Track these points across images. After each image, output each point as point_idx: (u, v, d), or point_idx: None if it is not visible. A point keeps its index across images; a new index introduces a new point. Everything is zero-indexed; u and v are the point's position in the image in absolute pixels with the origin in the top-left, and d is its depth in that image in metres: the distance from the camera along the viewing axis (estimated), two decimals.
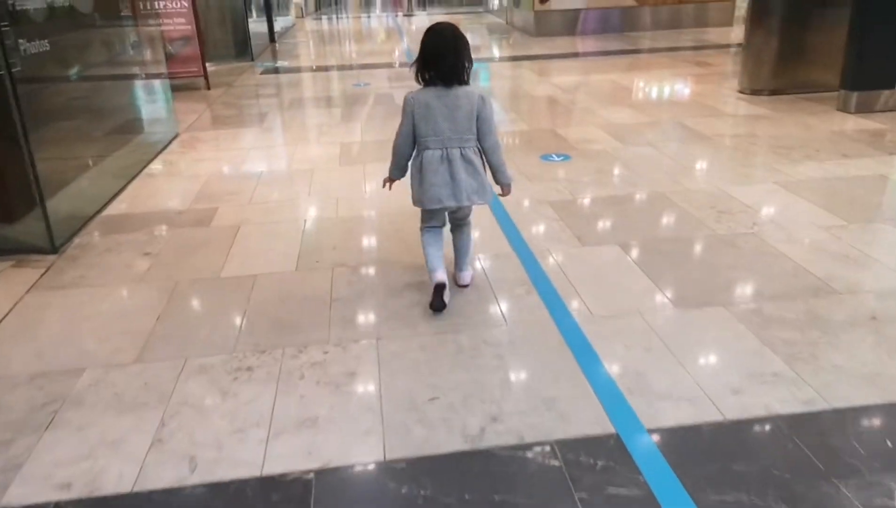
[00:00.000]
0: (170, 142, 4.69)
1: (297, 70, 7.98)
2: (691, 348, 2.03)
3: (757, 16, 5.40)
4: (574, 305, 2.31)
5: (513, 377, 1.93)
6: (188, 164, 4.19)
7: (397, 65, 7.96)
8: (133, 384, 1.95)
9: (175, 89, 6.48)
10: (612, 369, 1.94)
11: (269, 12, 10.51)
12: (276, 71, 7.80)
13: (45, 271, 2.74)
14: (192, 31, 6.53)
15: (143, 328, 2.26)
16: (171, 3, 6.44)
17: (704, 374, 1.90)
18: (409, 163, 2.34)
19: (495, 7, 13.97)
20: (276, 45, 10.53)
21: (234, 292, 2.50)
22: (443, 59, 2.14)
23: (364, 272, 2.64)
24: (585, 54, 8.31)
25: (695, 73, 6.57)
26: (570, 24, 9.89)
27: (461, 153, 2.21)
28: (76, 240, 3.05)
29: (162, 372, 2.00)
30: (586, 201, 3.29)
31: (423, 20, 15.64)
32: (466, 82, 2.21)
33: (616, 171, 3.74)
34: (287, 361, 2.04)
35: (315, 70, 7.99)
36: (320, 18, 16.49)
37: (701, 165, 3.79)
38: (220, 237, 3.03)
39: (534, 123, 4.90)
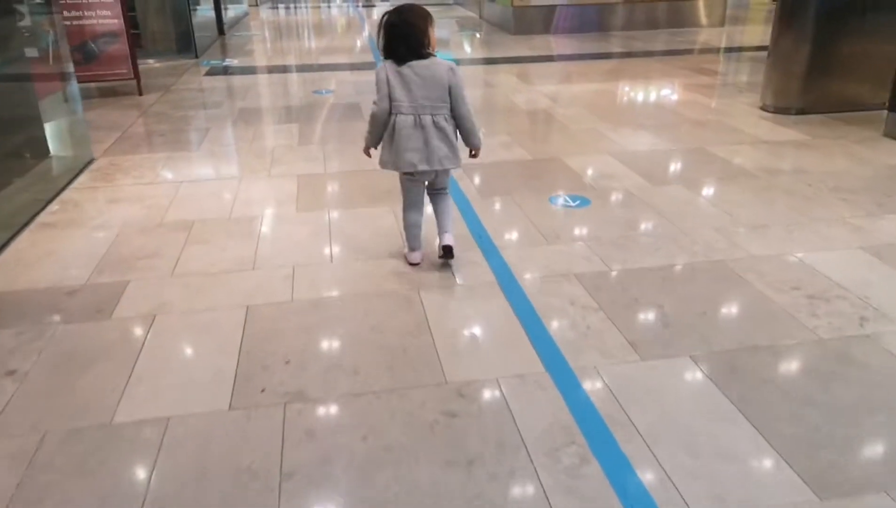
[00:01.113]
0: (80, 172, 3.71)
1: (249, 70, 6.97)
2: None
3: (786, 21, 4.67)
4: (655, 483, 1.49)
5: None
6: (99, 207, 3.24)
7: (362, 66, 7.03)
8: None
9: (100, 95, 5.47)
10: None
11: (216, 1, 9.40)
12: (223, 71, 6.78)
13: None
14: (119, 26, 5.48)
15: None
16: None
17: None
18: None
19: None
20: (226, 38, 9.45)
21: (127, 459, 1.61)
22: (406, 39, 2.28)
23: (331, 414, 1.78)
24: (572, 57, 7.51)
25: (701, 83, 5.83)
26: (551, 21, 9.08)
27: (433, 120, 2.31)
28: None
29: None
30: (627, 276, 2.48)
31: (384, 10, 14.66)
32: (433, 54, 2.33)
33: (651, 223, 2.95)
34: None
35: (269, 70, 6.99)
36: (276, 7, 15.30)
37: (755, 215, 3.01)
38: (122, 341, 2.12)
39: (533, 148, 4.08)
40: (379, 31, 2.36)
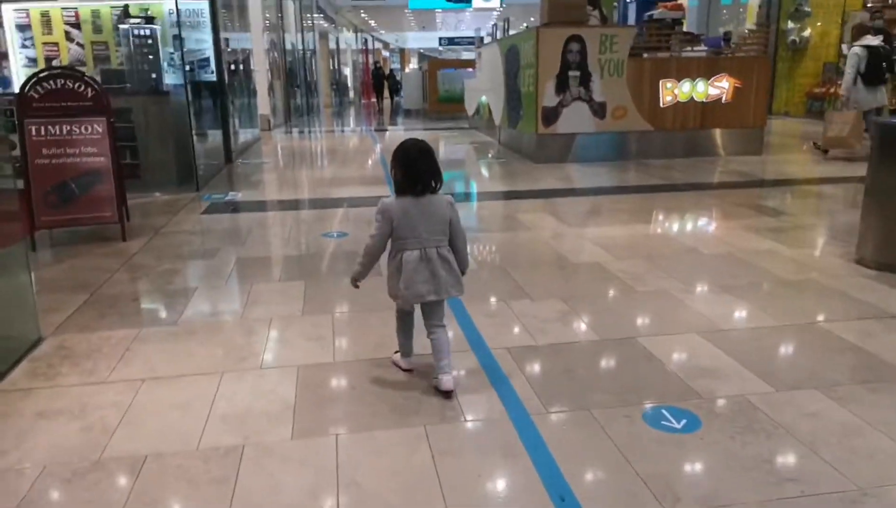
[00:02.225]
0: (15, 362, 2.86)
1: (253, 206, 6.30)
2: None
3: (890, 152, 3.93)
4: None
5: None
6: (20, 429, 2.34)
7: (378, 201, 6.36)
8: None
9: (77, 241, 4.73)
10: None
11: (225, 126, 9.00)
12: (225, 208, 6.10)
13: None
14: (104, 164, 4.84)
15: None
16: (78, 128, 4.79)
17: None
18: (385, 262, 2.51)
19: (482, 122, 12.79)
20: (234, 166, 8.95)
21: None
22: (414, 172, 2.40)
23: None
24: (609, 189, 6.86)
25: (767, 225, 5.06)
26: (578, 149, 8.55)
27: (437, 252, 2.44)
28: None
29: None
30: None
31: (398, 134, 14.43)
32: (436, 191, 2.46)
33: (803, 467, 2.01)
34: None
35: (276, 207, 6.32)
36: (290, 132, 15.14)
37: None
38: None
39: (597, 321, 3.22)
40: (395, 164, 2.45)
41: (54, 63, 8.13)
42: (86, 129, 4.83)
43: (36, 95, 4.69)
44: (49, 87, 4.72)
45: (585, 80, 8.34)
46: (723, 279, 3.83)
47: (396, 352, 2.77)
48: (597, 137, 8.57)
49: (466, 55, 44.66)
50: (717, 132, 8.80)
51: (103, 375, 2.73)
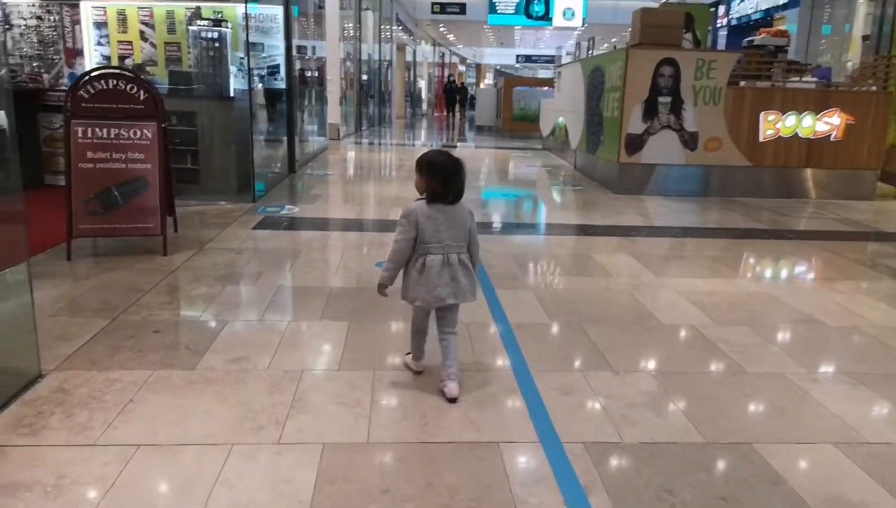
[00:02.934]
0: (8, 402, 2.45)
1: (308, 223, 5.89)
2: None
3: None
4: None
5: None
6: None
7: None
8: None
9: (115, 253, 4.40)
10: None
11: (290, 136, 8.71)
12: (277, 224, 5.71)
13: None
14: (151, 173, 4.50)
15: None
16: (127, 132, 4.47)
17: None
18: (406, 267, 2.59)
19: (557, 144, 12.14)
20: (295, 176, 8.64)
21: None
22: (451, 183, 2.50)
23: None
24: (701, 231, 6.11)
25: (893, 291, 4.26)
26: (661, 180, 7.82)
27: (458, 258, 2.55)
28: None
29: None
30: None
31: (469, 152, 13.95)
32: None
33: None
34: None
35: (331, 225, 5.88)
36: (360, 142, 14.90)
37: None
38: None
39: (700, 413, 2.56)
40: (425, 171, 2.53)
41: (126, 62, 8.04)
42: (134, 133, 4.51)
43: (86, 95, 4.41)
44: (100, 87, 4.43)
45: (677, 107, 7.62)
46: (854, 365, 3.09)
47: (408, 354, 2.86)
48: (683, 170, 7.81)
49: (543, 73, 44.14)
50: (822, 172, 7.89)
51: (95, 434, 2.28)
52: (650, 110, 7.62)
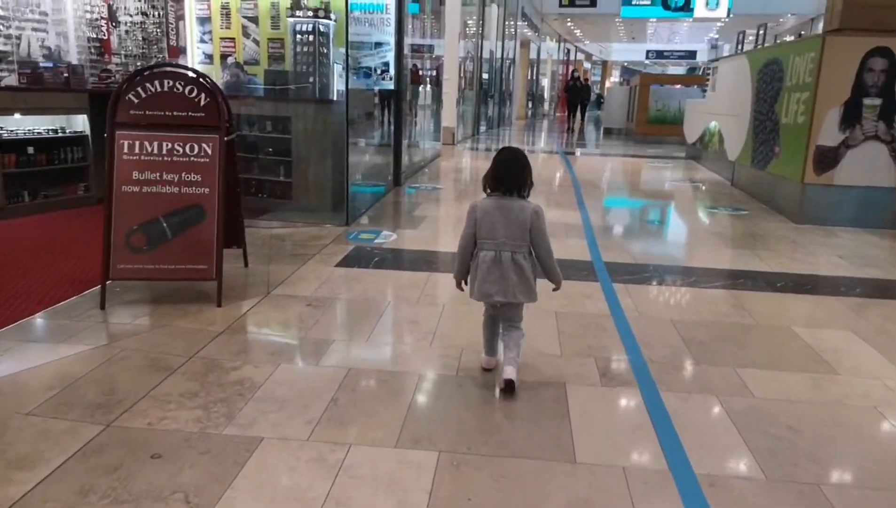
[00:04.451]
0: None
1: (405, 260, 4.75)
2: None
3: None
4: None
5: None
6: None
7: (577, 268, 4.54)
8: None
9: (165, 298, 3.49)
10: None
11: (397, 146, 7.68)
12: (367, 259, 4.61)
13: None
14: (208, 199, 3.55)
15: None
16: (182, 146, 3.54)
17: None
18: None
19: (706, 153, 10.37)
20: (401, 190, 7.60)
21: None
22: (508, 174, 2.58)
23: None
24: None
25: None
26: (864, 209, 6.02)
27: (512, 257, 2.53)
28: None
29: None
30: None
31: (593, 161, 12.39)
32: (524, 197, 2.60)
33: None
34: None
35: (434, 264, 4.65)
36: (476, 148, 13.74)
37: None
38: None
39: None
40: (491, 165, 2.64)
41: (228, 60, 7.35)
42: (191, 148, 3.57)
43: (135, 100, 3.52)
44: (152, 89, 3.53)
45: (889, 111, 5.81)
46: None
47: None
48: (895, 195, 5.97)
49: (673, 70, 40.97)
50: None
51: None
52: (851, 116, 5.86)
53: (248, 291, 3.78)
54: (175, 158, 3.56)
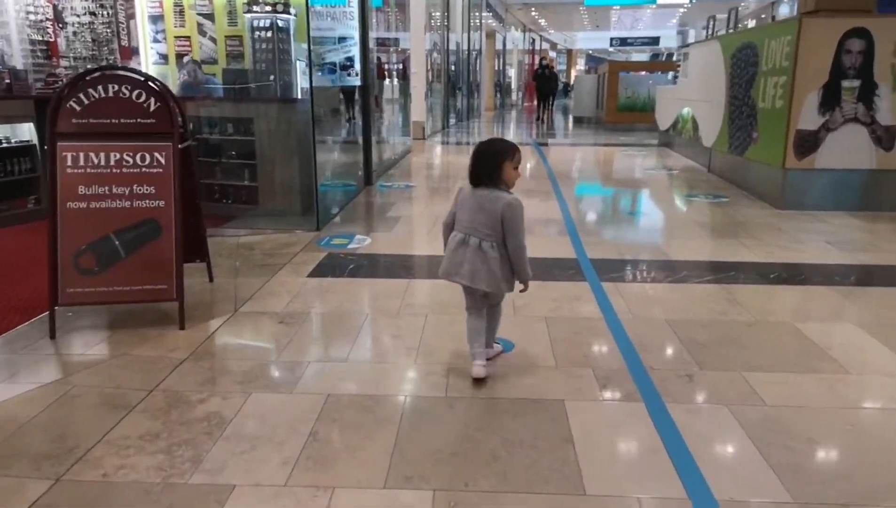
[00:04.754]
0: None
1: (380, 266, 4.50)
2: None
3: None
4: None
5: None
6: None
7: (561, 267, 4.34)
8: None
9: (121, 322, 3.18)
10: None
11: (367, 143, 7.39)
12: (341, 267, 4.36)
13: None
14: (164, 213, 3.25)
15: None
16: (131, 156, 3.23)
17: None
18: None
19: (680, 139, 10.28)
20: (373, 190, 7.32)
21: None
22: (481, 167, 2.60)
23: None
24: None
25: None
26: (846, 192, 5.93)
27: (480, 244, 2.56)
28: None
29: None
30: None
31: (566, 151, 12.25)
32: (499, 188, 2.58)
33: None
34: None
35: (411, 269, 4.45)
36: (447, 141, 13.49)
37: None
38: None
39: None
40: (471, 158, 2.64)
41: (185, 60, 6.97)
42: (142, 158, 3.27)
43: (77, 107, 3.20)
44: (95, 95, 3.21)
45: (868, 93, 5.72)
46: None
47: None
48: (874, 176, 5.89)
49: (637, 57, 41.11)
50: None
51: None
52: (830, 99, 5.75)
53: (214, 309, 3.49)
54: (125, 170, 3.25)
